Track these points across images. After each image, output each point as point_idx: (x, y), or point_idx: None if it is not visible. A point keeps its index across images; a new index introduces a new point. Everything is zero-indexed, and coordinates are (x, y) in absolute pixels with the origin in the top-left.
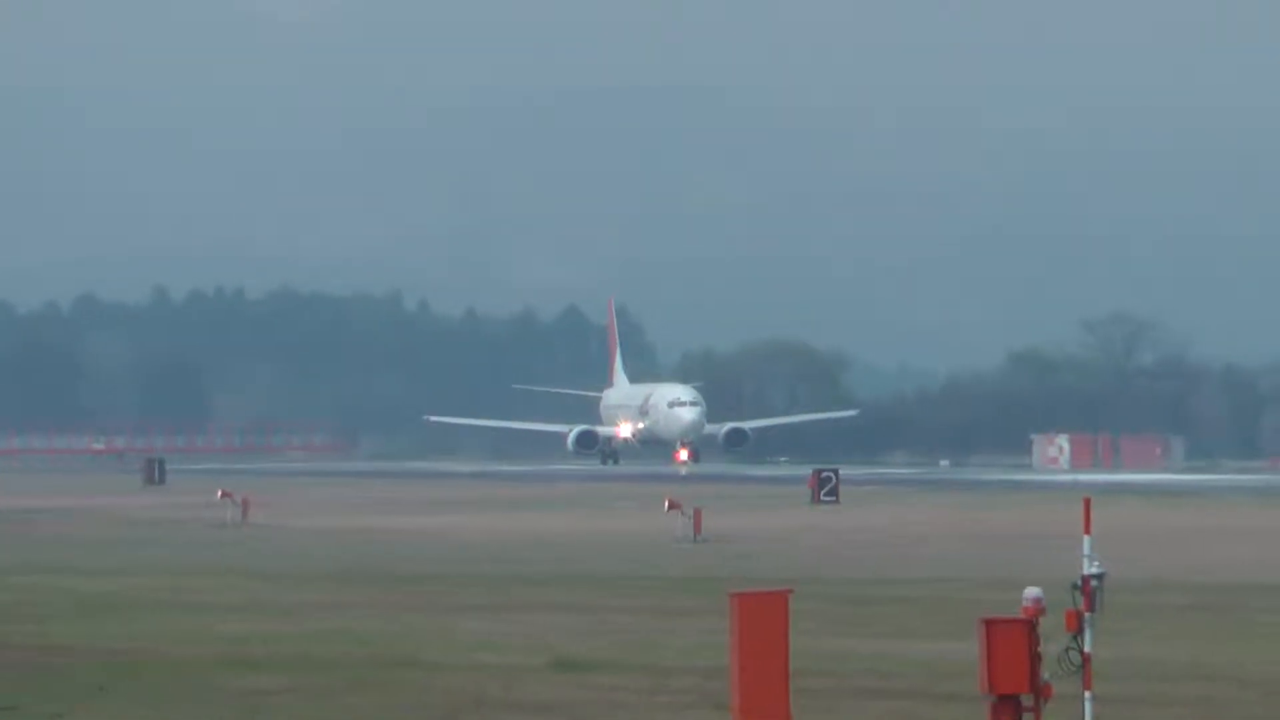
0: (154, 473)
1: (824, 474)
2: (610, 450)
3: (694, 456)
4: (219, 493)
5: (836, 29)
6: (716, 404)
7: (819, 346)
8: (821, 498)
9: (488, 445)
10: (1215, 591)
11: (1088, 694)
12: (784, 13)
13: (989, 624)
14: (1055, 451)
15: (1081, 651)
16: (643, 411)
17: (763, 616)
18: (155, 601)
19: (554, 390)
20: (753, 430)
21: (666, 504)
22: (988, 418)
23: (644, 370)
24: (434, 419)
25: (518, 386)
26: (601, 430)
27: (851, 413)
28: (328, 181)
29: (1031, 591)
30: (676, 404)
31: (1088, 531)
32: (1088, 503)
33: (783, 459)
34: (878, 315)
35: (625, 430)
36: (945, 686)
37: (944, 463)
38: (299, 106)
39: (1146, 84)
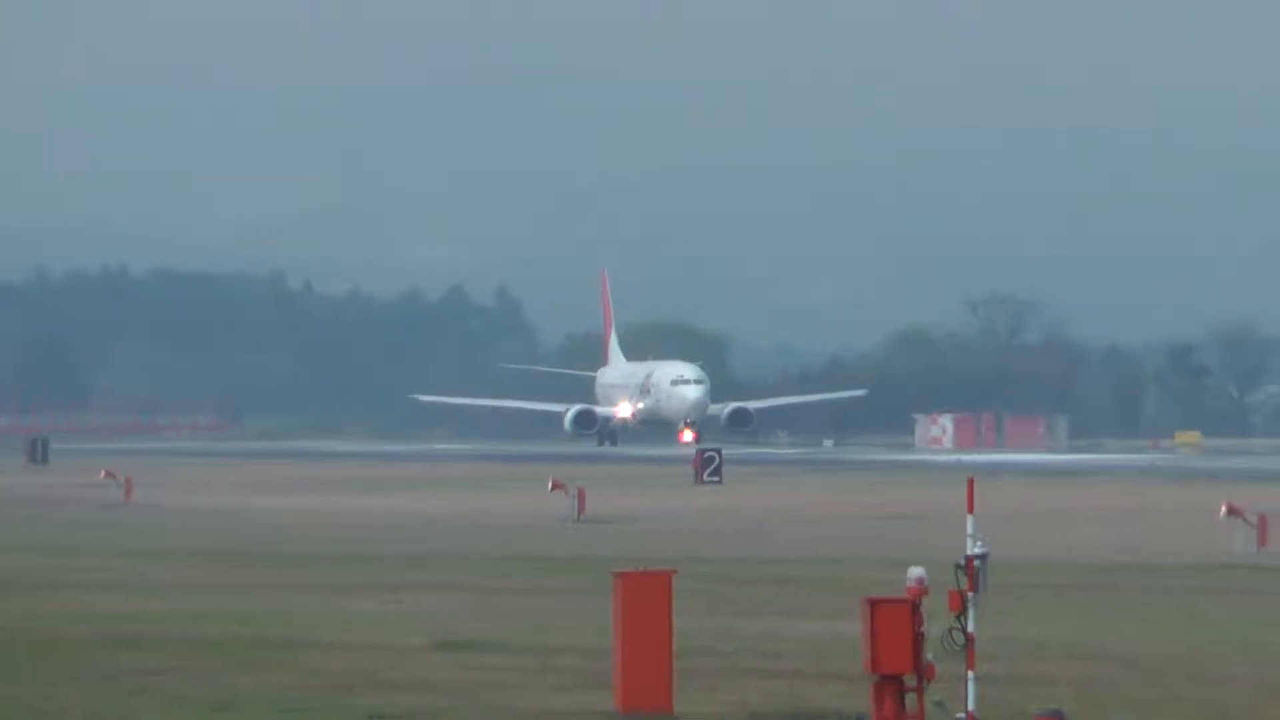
0: (37, 452)
1: (707, 454)
2: (609, 431)
3: (697, 438)
4: (102, 472)
5: (720, 13)
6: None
7: (702, 327)
8: (705, 478)
9: (376, 426)
10: (1097, 572)
11: (971, 674)
12: None
13: (872, 604)
14: (938, 431)
15: (965, 631)
16: (643, 390)
17: (646, 596)
18: (37, 581)
19: (547, 370)
20: (757, 410)
21: (550, 484)
22: (871, 397)
23: (525, 351)
24: (422, 398)
25: (507, 366)
26: (600, 410)
27: (860, 392)
28: (212, 161)
29: (915, 571)
30: (680, 381)
31: (971, 511)
32: (971, 483)
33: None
34: (759, 296)
35: (624, 410)
36: (828, 666)
37: (827, 443)
38: (182, 86)
39: (1032, 63)
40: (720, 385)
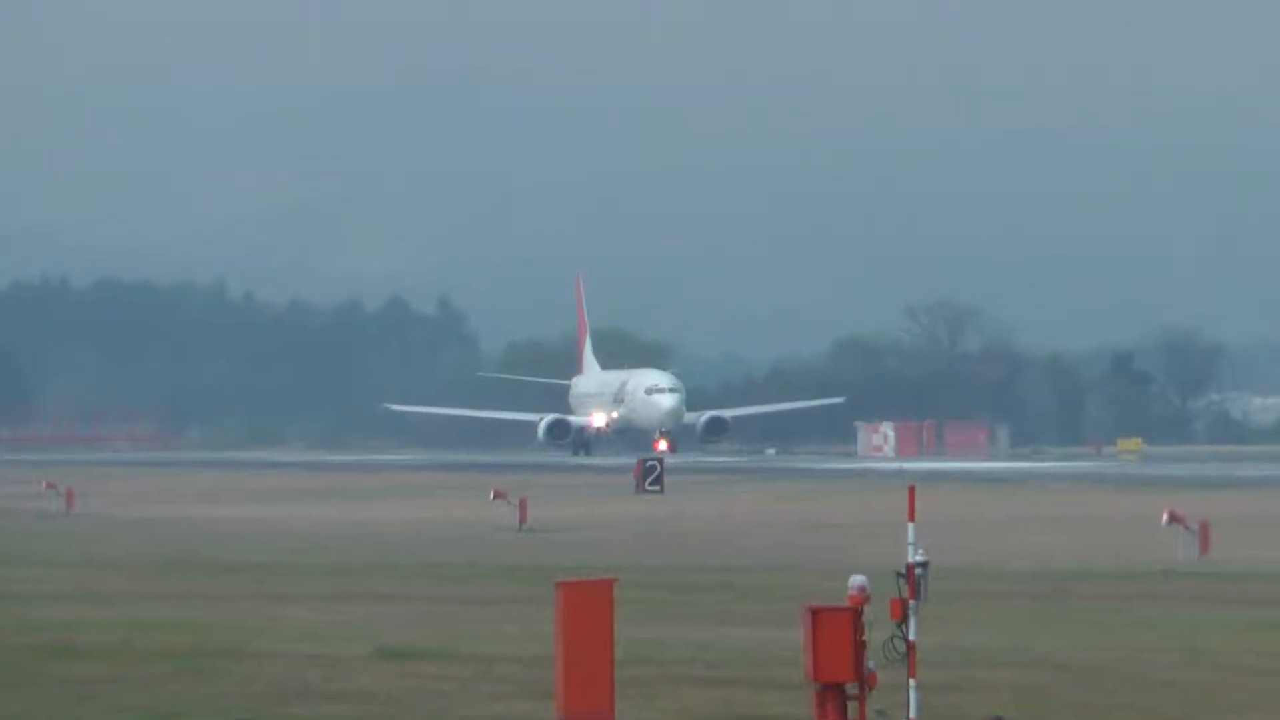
0: None
1: (648, 463)
2: (583, 440)
3: (672, 447)
4: (43, 483)
5: (667, 13)
6: (545, 395)
7: (643, 336)
8: (646, 487)
9: (317, 435)
10: (1037, 579)
11: (912, 682)
12: None
13: (814, 612)
14: (880, 439)
15: (906, 639)
16: (618, 399)
17: (588, 605)
18: None
19: (521, 378)
20: (733, 419)
21: (492, 493)
22: (813, 406)
23: (467, 360)
24: (396, 408)
25: (483, 375)
26: (574, 419)
27: (838, 400)
28: (153, 169)
29: (856, 579)
30: (655, 390)
31: (912, 519)
32: (912, 491)
33: None
34: (703, 304)
35: (599, 419)
36: (770, 675)
37: (770, 451)
38: (123, 93)
39: (974, 66)
40: None
